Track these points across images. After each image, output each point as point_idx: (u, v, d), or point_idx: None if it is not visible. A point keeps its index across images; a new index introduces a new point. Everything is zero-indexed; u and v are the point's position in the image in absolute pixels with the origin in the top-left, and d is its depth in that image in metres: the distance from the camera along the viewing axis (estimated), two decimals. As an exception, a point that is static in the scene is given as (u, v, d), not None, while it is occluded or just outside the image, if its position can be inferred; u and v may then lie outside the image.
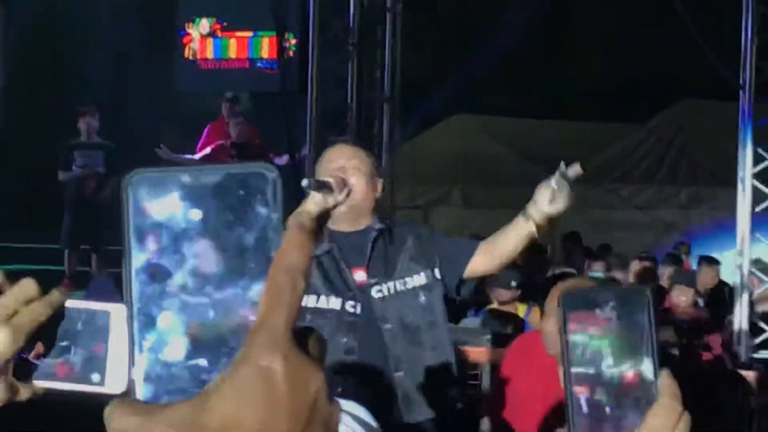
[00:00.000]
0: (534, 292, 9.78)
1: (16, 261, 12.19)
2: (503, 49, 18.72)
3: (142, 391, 0.91)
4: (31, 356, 1.29)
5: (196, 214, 0.91)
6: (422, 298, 4.58)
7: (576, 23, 20.16)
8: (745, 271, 9.98)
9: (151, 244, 0.91)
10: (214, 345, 0.91)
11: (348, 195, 4.50)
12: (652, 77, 17.97)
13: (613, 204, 17.05)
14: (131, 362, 0.92)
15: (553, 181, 4.43)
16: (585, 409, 1.24)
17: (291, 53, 14.49)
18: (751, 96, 10.02)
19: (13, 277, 1.31)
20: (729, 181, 10.78)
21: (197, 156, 13.62)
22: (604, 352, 1.25)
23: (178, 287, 0.91)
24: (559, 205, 4.43)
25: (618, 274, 11.24)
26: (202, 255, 0.91)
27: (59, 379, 1.37)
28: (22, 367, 1.31)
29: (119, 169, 13.10)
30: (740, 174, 10.09)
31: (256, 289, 0.91)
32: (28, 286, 1.28)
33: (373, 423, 1.76)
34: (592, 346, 1.25)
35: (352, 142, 5.35)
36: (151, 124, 16.90)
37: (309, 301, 4.49)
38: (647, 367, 1.24)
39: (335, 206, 4.46)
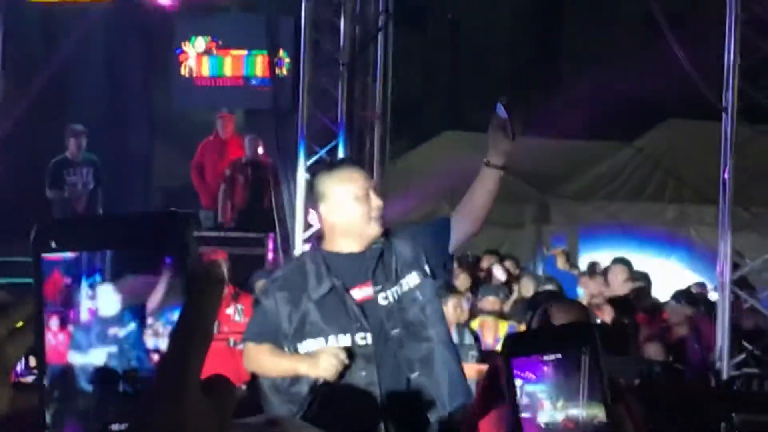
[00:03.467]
0: (521, 309, 9.98)
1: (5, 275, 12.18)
2: (493, 67, 18.91)
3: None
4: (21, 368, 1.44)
5: (100, 263, 0.90)
6: (419, 296, 4.60)
7: (565, 42, 20.31)
8: (727, 290, 10.06)
9: (58, 292, 0.90)
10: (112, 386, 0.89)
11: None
12: (639, 97, 18.14)
13: (600, 220, 17.19)
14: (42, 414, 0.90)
15: (495, 121, 4.46)
16: None
17: (285, 71, 14.65)
18: (734, 118, 10.16)
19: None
20: (715, 199, 10.88)
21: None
22: (540, 397, 1.27)
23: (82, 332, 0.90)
24: (508, 140, 4.46)
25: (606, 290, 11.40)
26: (102, 298, 0.89)
27: None
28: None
29: (108, 183, 13.29)
30: (721, 195, 10.23)
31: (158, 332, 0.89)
32: (27, 302, 1.39)
33: None
34: (527, 391, 1.27)
35: (355, 161, 5.40)
36: (146, 140, 17.02)
37: (318, 344, 4.56)
38: (595, 401, 1.26)
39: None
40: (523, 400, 1.27)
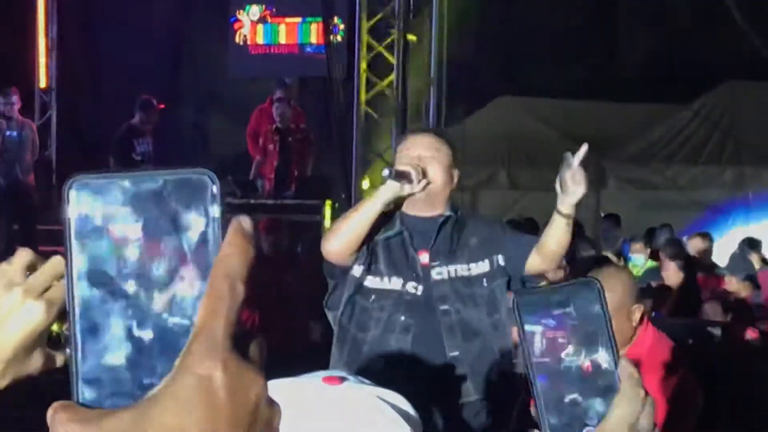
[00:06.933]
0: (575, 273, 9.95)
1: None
2: (548, 30, 18.80)
3: (82, 394, 0.88)
4: (64, 328, 1.47)
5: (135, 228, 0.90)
6: (485, 285, 4.68)
7: (621, 2, 20.16)
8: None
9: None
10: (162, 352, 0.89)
11: (426, 186, 4.63)
12: (696, 58, 17.98)
13: (657, 184, 17.09)
14: (73, 364, 0.88)
15: (567, 172, 4.55)
16: (547, 397, 1.30)
17: (339, 38, 14.65)
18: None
19: (46, 255, 1.47)
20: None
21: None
22: (560, 342, 1.31)
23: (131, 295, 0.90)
24: (580, 188, 4.56)
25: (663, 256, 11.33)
26: (186, 279, 0.89)
27: None
28: (54, 338, 1.49)
29: (164, 152, 13.42)
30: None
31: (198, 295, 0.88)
32: (58, 262, 1.45)
33: (413, 413, 1.78)
34: (548, 337, 1.31)
35: (434, 129, 5.44)
36: (202, 109, 17.12)
37: (374, 282, 4.66)
38: (603, 356, 1.30)
39: (411, 194, 4.61)
40: (542, 346, 1.31)
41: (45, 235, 12.86)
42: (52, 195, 14.82)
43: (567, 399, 1.30)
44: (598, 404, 1.29)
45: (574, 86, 17.89)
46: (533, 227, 13.86)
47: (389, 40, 13.34)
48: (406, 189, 4.56)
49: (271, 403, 0.87)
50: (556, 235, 4.70)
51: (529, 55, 18.97)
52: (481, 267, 4.70)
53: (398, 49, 13.22)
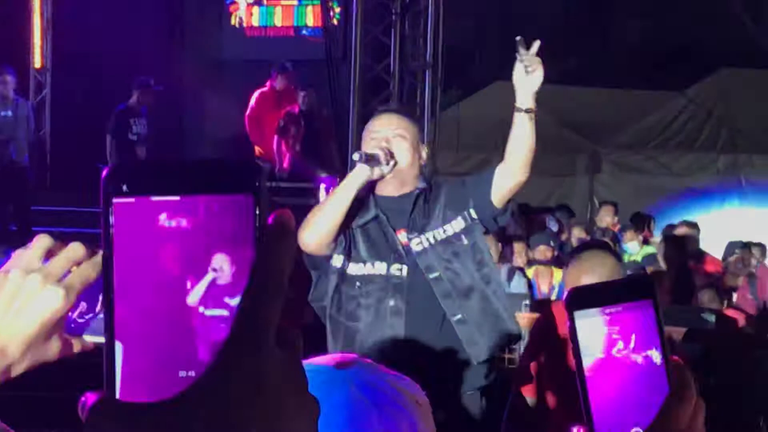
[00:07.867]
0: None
1: (64, 225, 12.23)
2: (544, 16, 18.78)
3: (118, 386, 0.87)
4: (75, 314, 1.45)
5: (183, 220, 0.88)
6: (465, 241, 4.68)
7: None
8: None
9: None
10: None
11: (394, 166, 4.64)
12: (691, 45, 17.97)
13: (651, 171, 17.09)
14: (109, 355, 0.87)
15: (521, 61, 4.55)
16: (596, 393, 1.26)
17: (335, 21, 14.62)
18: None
19: (62, 240, 1.47)
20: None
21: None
22: (614, 338, 1.27)
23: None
24: (535, 75, 4.53)
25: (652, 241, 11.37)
26: (219, 266, 0.87)
27: None
28: (69, 324, 1.48)
29: (161, 134, 13.42)
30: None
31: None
32: (76, 248, 1.45)
33: (422, 397, 1.76)
34: (601, 333, 1.27)
35: (397, 108, 5.42)
36: (197, 91, 17.06)
37: (357, 269, 4.68)
38: (655, 355, 1.26)
39: (382, 177, 4.64)
40: (595, 342, 1.27)
41: (39, 215, 12.86)
42: (47, 175, 14.81)
43: (617, 398, 1.28)
44: (649, 404, 1.26)
45: (570, 73, 17.88)
46: (526, 211, 13.91)
47: (385, 23, 13.30)
48: (376, 172, 4.59)
49: (312, 397, 0.87)
50: (522, 134, 4.59)
51: (525, 40, 18.93)
52: (456, 225, 4.70)
53: (395, 33, 13.18)
